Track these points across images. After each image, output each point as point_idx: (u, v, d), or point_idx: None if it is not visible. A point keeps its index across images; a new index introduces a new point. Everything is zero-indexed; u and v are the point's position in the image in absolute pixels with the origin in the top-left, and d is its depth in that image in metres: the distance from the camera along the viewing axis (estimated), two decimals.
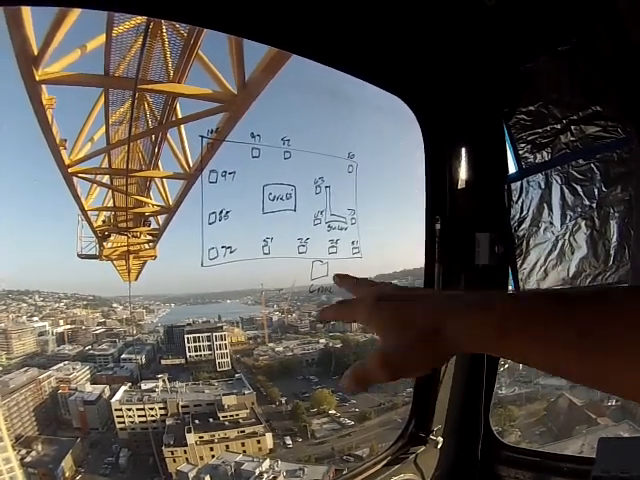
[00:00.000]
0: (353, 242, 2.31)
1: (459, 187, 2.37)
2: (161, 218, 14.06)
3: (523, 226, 2.32)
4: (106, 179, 12.78)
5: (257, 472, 18.52)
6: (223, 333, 27.36)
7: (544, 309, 0.64)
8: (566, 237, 2.19)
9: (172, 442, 21.29)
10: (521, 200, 2.32)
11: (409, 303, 0.79)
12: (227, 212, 1.93)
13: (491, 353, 0.71)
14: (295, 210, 2.16)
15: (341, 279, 0.97)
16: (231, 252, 1.90)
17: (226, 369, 26.49)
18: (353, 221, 2.36)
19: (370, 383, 0.81)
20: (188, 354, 26.57)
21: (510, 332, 0.65)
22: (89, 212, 14.52)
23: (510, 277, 2.38)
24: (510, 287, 2.38)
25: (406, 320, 0.76)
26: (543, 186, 2.25)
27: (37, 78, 6.82)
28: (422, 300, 0.79)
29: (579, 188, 2.13)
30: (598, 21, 1.89)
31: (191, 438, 21.22)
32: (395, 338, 0.77)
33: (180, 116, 8.88)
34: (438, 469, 2.48)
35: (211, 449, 21.22)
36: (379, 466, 2.36)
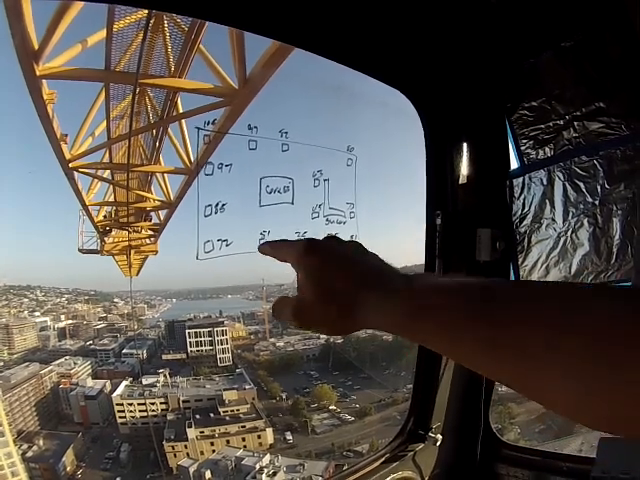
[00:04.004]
0: (352, 236, 2.29)
1: (460, 182, 2.34)
2: (162, 213, 14.08)
3: (525, 222, 2.30)
4: (107, 174, 12.82)
5: (257, 467, 18.61)
6: (224, 328, 27.44)
7: (459, 298, 0.61)
8: (568, 234, 2.17)
9: (173, 437, 21.38)
10: (523, 196, 2.30)
11: (337, 262, 0.77)
12: (223, 205, 1.91)
13: (400, 335, 0.68)
14: (293, 203, 2.14)
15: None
16: (227, 245, 1.88)
17: (227, 364, 26.58)
18: (352, 215, 2.35)
19: (284, 320, 0.84)
20: (189, 349, 26.67)
21: (420, 318, 0.64)
22: (90, 207, 14.55)
23: (511, 274, 2.36)
24: None
25: (326, 279, 0.75)
26: (545, 182, 2.23)
27: (38, 73, 6.81)
28: (348, 264, 0.77)
29: (582, 185, 2.11)
30: (603, 16, 1.87)
31: (192, 433, 21.31)
32: (312, 293, 0.77)
33: (181, 111, 8.86)
34: (437, 467, 2.47)
35: (212, 444, 21.31)
36: (377, 463, 2.35)
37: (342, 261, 0.78)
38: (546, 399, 0.52)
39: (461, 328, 0.58)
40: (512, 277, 2.36)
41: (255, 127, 2.00)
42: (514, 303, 0.56)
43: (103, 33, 7.32)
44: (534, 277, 2.29)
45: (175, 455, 20.78)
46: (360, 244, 0.84)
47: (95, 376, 24.98)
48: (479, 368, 0.60)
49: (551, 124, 2.18)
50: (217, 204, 1.91)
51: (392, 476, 2.31)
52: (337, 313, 0.74)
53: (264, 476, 18.32)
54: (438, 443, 2.42)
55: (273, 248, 0.89)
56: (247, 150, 1.96)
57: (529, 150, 2.27)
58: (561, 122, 2.14)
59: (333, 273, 0.76)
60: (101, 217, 15.57)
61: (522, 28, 2.01)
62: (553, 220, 2.22)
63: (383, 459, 2.37)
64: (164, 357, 26.88)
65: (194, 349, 26.65)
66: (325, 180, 2.25)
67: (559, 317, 0.50)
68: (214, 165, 1.89)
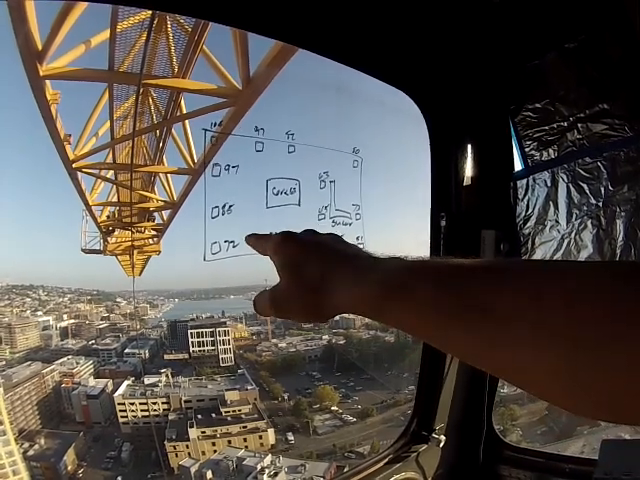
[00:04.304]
0: (358, 237, 2.29)
1: (465, 184, 2.35)
2: (165, 213, 14.11)
3: (529, 224, 2.30)
4: (110, 174, 12.84)
5: (259, 468, 18.58)
6: (226, 329, 27.41)
7: (434, 279, 0.58)
8: (572, 236, 2.17)
9: (174, 437, 21.36)
10: (527, 198, 2.30)
11: (311, 249, 0.78)
12: (230, 206, 1.92)
13: (374, 318, 0.67)
14: (299, 205, 2.15)
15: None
16: (234, 247, 1.88)
17: (229, 364, 26.53)
18: (358, 217, 2.35)
19: (264, 314, 0.86)
20: (191, 349, 26.63)
21: (393, 296, 0.61)
22: (93, 207, 14.58)
23: None
24: None
25: (300, 266, 0.77)
26: (549, 184, 2.23)
27: (41, 73, 6.83)
28: (321, 250, 0.77)
29: (585, 186, 2.11)
30: (606, 18, 1.87)
31: (193, 433, 21.29)
32: (287, 280, 0.79)
33: (185, 111, 8.88)
34: (440, 468, 2.47)
35: (213, 444, 21.28)
36: (381, 464, 2.35)
37: (316, 248, 0.78)
38: (539, 386, 0.50)
39: (435, 310, 0.56)
40: None
41: (262, 129, 2.00)
42: (492, 281, 0.54)
43: (107, 34, 7.35)
44: None
45: (176, 455, 20.76)
46: (338, 235, 0.84)
47: (97, 375, 24.97)
48: (456, 352, 0.58)
49: (555, 126, 2.18)
50: (224, 205, 1.91)
51: (395, 477, 2.31)
52: (310, 297, 0.74)
53: (265, 477, 18.30)
54: (441, 444, 2.42)
55: (257, 239, 0.91)
56: (254, 152, 1.97)
57: (533, 152, 2.28)
58: (565, 124, 2.14)
59: (307, 259, 0.77)
60: (104, 217, 15.60)
61: (526, 30, 2.02)
62: (557, 222, 2.22)
63: (386, 460, 2.37)
64: (166, 357, 26.85)
65: (196, 349, 26.62)
66: (331, 182, 2.25)
67: (558, 296, 0.47)
68: (221, 166, 1.90)
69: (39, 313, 27.03)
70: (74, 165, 10.36)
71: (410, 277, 0.61)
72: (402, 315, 0.61)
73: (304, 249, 0.79)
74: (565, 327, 0.45)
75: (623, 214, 2.01)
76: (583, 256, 2.14)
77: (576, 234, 2.16)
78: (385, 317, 0.65)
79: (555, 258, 2.23)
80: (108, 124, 10.44)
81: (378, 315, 0.66)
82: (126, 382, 23.89)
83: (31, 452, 20.06)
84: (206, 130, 2.09)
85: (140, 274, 19.51)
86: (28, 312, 26.87)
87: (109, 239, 16.52)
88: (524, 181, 2.31)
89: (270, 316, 0.87)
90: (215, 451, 20.81)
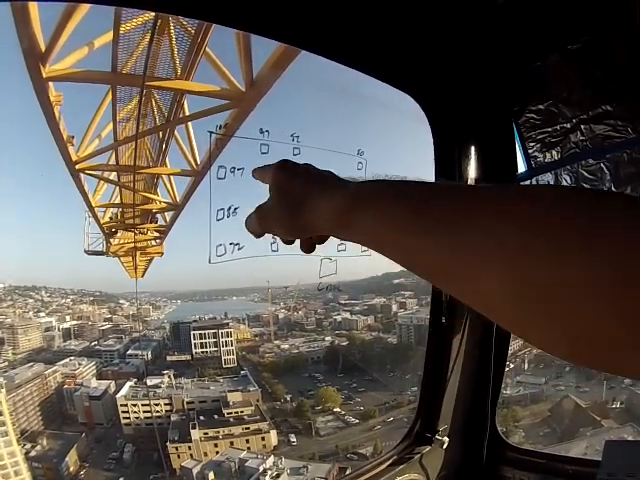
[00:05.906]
0: None
1: None
2: (168, 215, 14.12)
3: None
4: (113, 176, 12.85)
5: (261, 469, 18.60)
6: (229, 330, 27.45)
7: (397, 191, 0.63)
8: None
9: (177, 438, 21.39)
10: None
11: (298, 175, 0.83)
12: (235, 208, 1.91)
13: (343, 234, 0.72)
14: None
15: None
16: (239, 249, 1.87)
17: (232, 366, 26.57)
18: None
19: (255, 231, 0.94)
20: (194, 350, 26.67)
21: (357, 207, 0.66)
22: (96, 208, 14.59)
23: None
24: None
25: (286, 187, 0.83)
26: None
27: (44, 75, 6.84)
28: (308, 175, 0.83)
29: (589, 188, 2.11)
30: (609, 20, 1.87)
31: (196, 434, 21.31)
32: (273, 199, 0.86)
33: (188, 113, 8.90)
34: (443, 469, 2.47)
35: (215, 445, 21.31)
36: (384, 466, 2.35)
37: (304, 173, 0.84)
38: (482, 294, 0.49)
39: (396, 217, 0.59)
40: None
41: (267, 131, 2.00)
42: (451, 195, 0.57)
43: (110, 35, 7.34)
44: None
45: (179, 456, 20.79)
46: (333, 173, 0.87)
47: (99, 377, 25.02)
48: (416, 260, 0.59)
49: (558, 127, 2.18)
50: (229, 208, 1.91)
51: (398, 478, 2.31)
52: (291, 213, 0.80)
53: (268, 478, 18.32)
54: (445, 446, 2.42)
55: (261, 171, 0.96)
56: (259, 154, 1.96)
57: (536, 153, 2.27)
58: (568, 125, 2.14)
59: (293, 182, 0.82)
60: (107, 218, 15.62)
61: (529, 31, 2.01)
62: None
63: (390, 461, 2.37)
64: (169, 358, 26.89)
65: (199, 350, 26.66)
66: None
67: (494, 205, 0.50)
68: (226, 169, 1.89)
69: (42, 314, 27.10)
70: (77, 166, 10.37)
71: (374, 190, 0.67)
72: (364, 225, 0.65)
73: (293, 173, 0.85)
74: (513, 234, 0.46)
75: None
76: None
77: None
78: (351, 230, 0.68)
79: None
80: (111, 126, 10.45)
81: (345, 228, 0.69)
82: (128, 383, 23.94)
83: (33, 453, 20.11)
84: (211, 132, 2.09)
85: (143, 276, 19.52)
86: (31, 313, 26.94)
87: (112, 240, 16.55)
88: (527, 183, 2.31)
89: (258, 232, 0.94)
90: (217, 452, 20.84)
